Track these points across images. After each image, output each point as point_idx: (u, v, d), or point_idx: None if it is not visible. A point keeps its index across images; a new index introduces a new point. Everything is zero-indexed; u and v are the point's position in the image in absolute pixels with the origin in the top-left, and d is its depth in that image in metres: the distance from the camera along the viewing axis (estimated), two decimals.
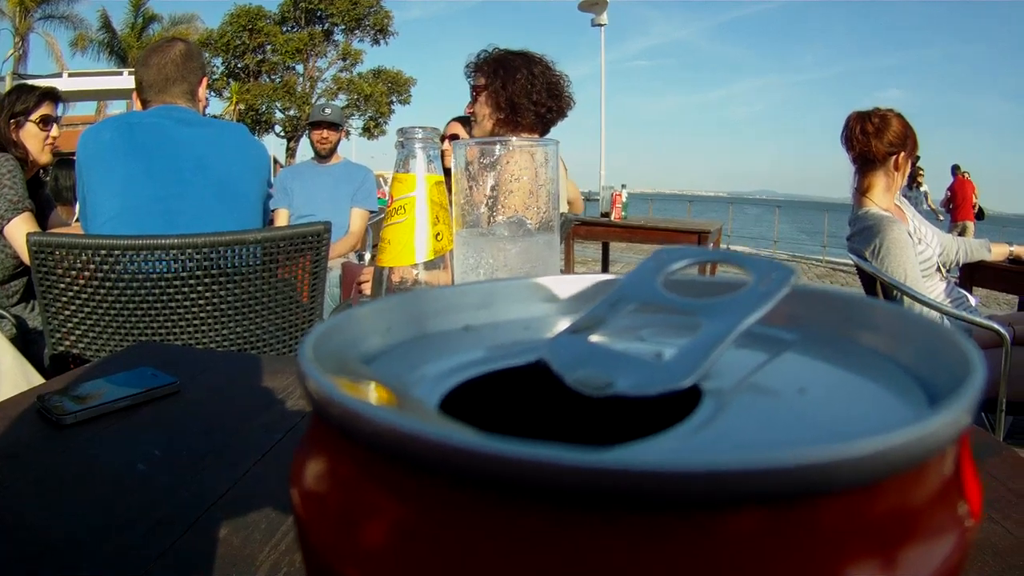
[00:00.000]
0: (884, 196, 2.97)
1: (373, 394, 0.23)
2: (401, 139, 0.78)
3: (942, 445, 0.17)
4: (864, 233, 2.90)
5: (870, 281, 2.91)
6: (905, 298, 2.75)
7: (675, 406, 0.22)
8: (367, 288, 2.60)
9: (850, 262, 2.99)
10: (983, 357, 0.21)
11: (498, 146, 0.71)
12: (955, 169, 15.17)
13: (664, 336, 0.27)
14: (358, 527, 0.18)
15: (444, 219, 0.76)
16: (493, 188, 0.72)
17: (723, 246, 12.59)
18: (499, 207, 0.72)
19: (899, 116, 2.97)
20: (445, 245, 0.76)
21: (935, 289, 2.88)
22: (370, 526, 0.18)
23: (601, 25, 13.91)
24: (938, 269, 2.97)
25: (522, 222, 0.72)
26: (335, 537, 0.19)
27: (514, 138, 0.71)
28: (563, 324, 0.29)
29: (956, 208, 14.76)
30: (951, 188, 15.01)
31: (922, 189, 14.87)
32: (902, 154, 2.93)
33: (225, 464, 0.78)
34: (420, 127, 0.78)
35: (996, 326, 2.60)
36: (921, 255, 2.87)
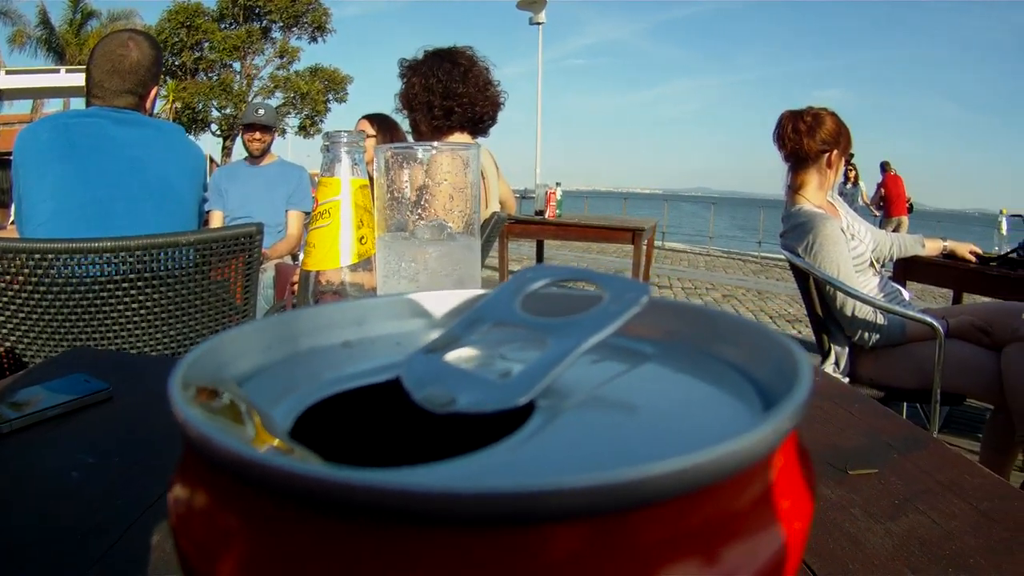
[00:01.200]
0: (817, 193, 3.03)
1: (234, 417, 0.23)
2: (327, 143, 0.78)
3: (752, 458, 0.18)
4: (797, 230, 2.95)
5: (803, 277, 2.96)
6: (839, 293, 2.80)
7: (515, 422, 0.22)
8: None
9: (784, 258, 3.03)
10: (811, 368, 0.23)
11: (420, 150, 0.72)
12: (884, 166, 15.45)
13: (515, 354, 0.28)
14: (215, 547, 0.19)
15: (368, 223, 0.77)
16: (414, 192, 0.72)
17: (658, 243, 12.69)
18: (420, 211, 0.73)
19: (832, 114, 3.03)
20: (369, 248, 0.77)
21: (869, 284, 2.94)
22: (226, 546, 0.19)
23: (539, 24, 13.97)
24: (871, 264, 3.02)
25: (443, 225, 0.73)
26: (198, 554, 0.20)
27: (436, 142, 0.72)
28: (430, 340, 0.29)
29: (890, 204, 15.04)
30: (883, 185, 15.29)
31: (858, 186, 15.17)
32: (835, 152, 2.98)
33: (157, 470, 0.77)
34: (345, 131, 0.78)
35: (929, 319, 2.66)
36: (854, 251, 2.92)
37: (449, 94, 2.66)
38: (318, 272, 0.77)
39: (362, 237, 0.76)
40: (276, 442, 0.22)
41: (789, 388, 0.21)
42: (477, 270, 0.75)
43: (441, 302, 0.33)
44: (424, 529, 0.16)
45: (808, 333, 3.22)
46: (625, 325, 0.24)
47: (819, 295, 2.94)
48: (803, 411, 0.20)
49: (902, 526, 0.70)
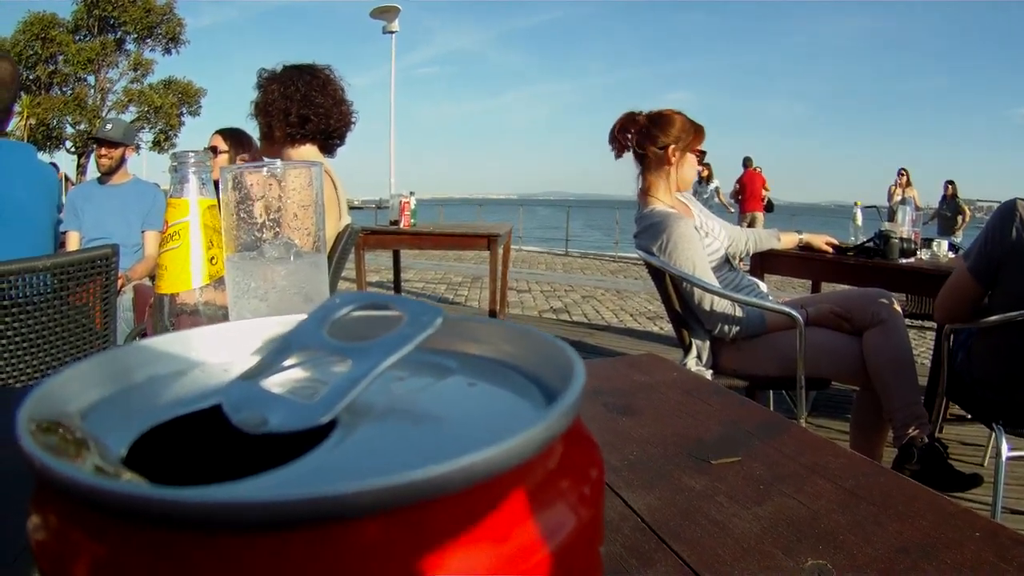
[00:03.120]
0: (667, 193, 3.10)
1: (74, 448, 0.25)
2: (174, 164, 0.78)
3: (527, 452, 0.22)
4: (650, 230, 3.02)
5: (659, 275, 3.03)
6: (696, 289, 2.89)
7: (321, 439, 0.25)
8: None
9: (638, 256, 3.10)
10: (583, 368, 0.26)
11: (264, 169, 0.73)
12: (746, 162, 15.88)
13: (323, 377, 0.31)
14: (68, 564, 0.21)
15: (219, 243, 0.77)
16: (259, 211, 0.73)
17: (514, 247, 12.78)
18: (266, 230, 0.74)
19: (671, 113, 3.12)
20: (220, 269, 0.77)
21: (725, 279, 3.03)
22: (75, 563, 0.21)
23: (392, 32, 13.92)
24: (727, 260, 3.11)
25: (289, 244, 0.74)
26: (54, 573, 0.22)
27: (279, 162, 0.73)
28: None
29: (745, 200, 15.50)
30: (740, 180, 15.74)
31: (712, 184, 15.61)
32: (675, 150, 3.06)
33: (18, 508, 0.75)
34: (192, 151, 0.78)
35: (788, 310, 2.77)
36: (709, 247, 3.01)
37: (307, 102, 2.72)
38: (172, 295, 0.78)
39: (212, 257, 0.77)
40: (111, 469, 0.24)
41: (564, 387, 0.25)
42: (325, 286, 0.77)
43: (266, 329, 0.35)
44: (233, 535, 0.18)
45: (669, 329, 3.31)
46: (424, 344, 0.27)
47: (676, 292, 3.01)
48: (573, 409, 0.24)
49: (768, 510, 0.71)
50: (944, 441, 2.89)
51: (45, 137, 33.20)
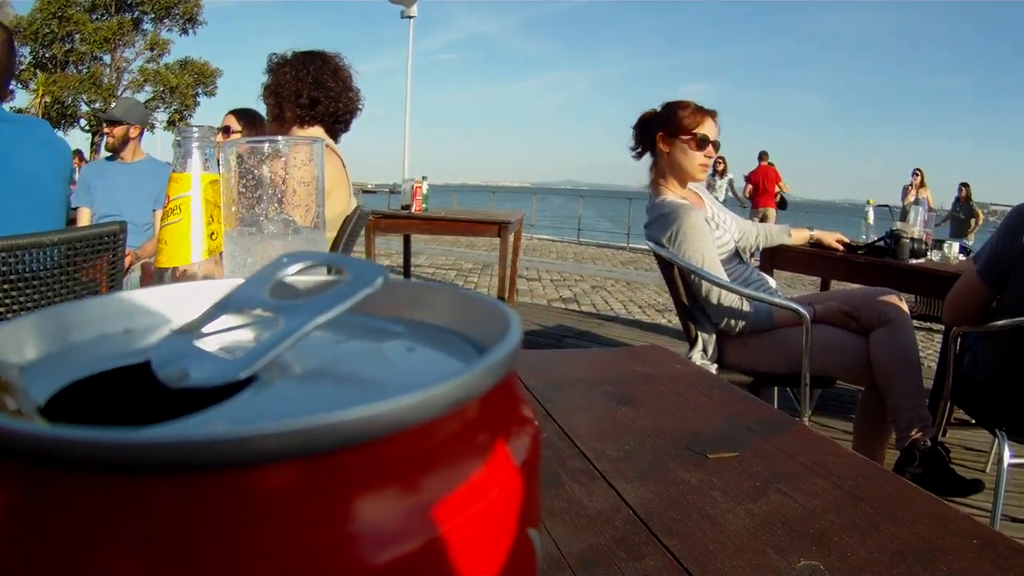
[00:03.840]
0: (676, 184, 3.08)
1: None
2: (178, 138, 0.78)
3: (449, 403, 0.21)
4: (660, 221, 3.00)
5: (668, 267, 3.02)
6: (704, 282, 2.88)
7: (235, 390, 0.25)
8: None
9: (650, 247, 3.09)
10: (517, 324, 0.26)
11: (266, 145, 0.73)
12: (761, 156, 15.74)
13: (254, 335, 0.30)
14: None
15: (219, 218, 0.77)
16: (259, 187, 0.73)
17: (526, 235, 12.79)
18: (265, 206, 0.74)
19: (676, 101, 3.10)
20: (220, 244, 0.77)
21: (734, 272, 3.01)
22: None
23: (410, 17, 13.89)
24: (737, 253, 3.10)
25: (288, 220, 0.74)
26: None
27: (280, 138, 0.73)
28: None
29: (757, 195, 15.38)
30: (751, 175, 15.58)
31: (727, 177, 15.53)
32: (664, 136, 3.05)
33: None
34: (197, 126, 0.78)
35: (795, 306, 2.75)
36: (719, 240, 2.99)
37: (318, 85, 2.80)
38: (172, 269, 0.78)
39: (212, 233, 0.77)
40: (26, 415, 0.24)
41: (495, 343, 0.24)
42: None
43: (217, 289, 0.35)
44: (142, 476, 0.18)
45: (678, 322, 3.31)
46: (363, 305, 0.27)
47: (684, 284, 2.99)
48: (497, 367, 0.23)
49: (763, 507, 0.71)
50: (947, 445, 2.88)
51: (60, 115, 33.29)
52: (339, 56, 2.93)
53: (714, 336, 3.01)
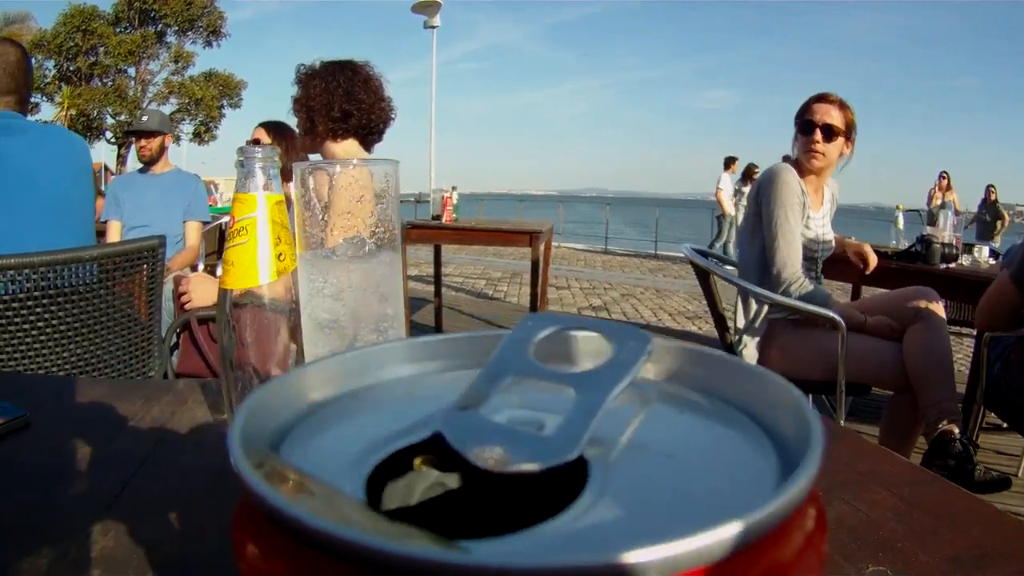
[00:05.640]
0: (802, 171, 3.08)
1: (295, 485, 0.24)
2: (241, 158, 0.77)
3: (797, 506, 0.21)
4: (761, 178, 3.04)
5: (704, 275, 3.01)
6: (777, 245, 2.89)
7: (559, 474, 0.24)
8: (189, 299, 2.56)
9: (682, 255, 3.09)
10: (822, 426, 0.25)
11: (338, 166, 0.72)
12: (785, 160, 15.62)
13: (544, 408, 0.29)
14: None
15: (286, 239, 0.77)
16: (332, 209, 0.72)
17: (555, 244, 12.80)
18: (340, 228, 0.73)
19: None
20: (288, 265, 0.76)
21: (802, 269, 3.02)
22: None
23: (434, 27, 13.92)
24: (811, 256, 3.09)
25: (363, 241, 0.73)
26: None
27: (354, 160, 0.72)
28: (448, 386, 0.31)
29: None
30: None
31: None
32: (796, 127, 3.10)
33: (86, 499, 0.74)
34: (259, 147, 0.78)
35: (832, 315, 2.74)
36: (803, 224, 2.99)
37: (349, 98, 2.73)
38: (237, 291, 0.77)
39: (280, 254, 0.76)
40: (356, 516, 0.23)
41: (803, 440, 0.24)
42: (399, 285, 0.76)
43: (449, 347, 0.34)
44: None
45: (708, 329, 3.30)
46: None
47: (710, 299, 2.99)
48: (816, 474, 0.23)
49: (829, 516, 0.71)
50: (978, 446, 2.86)
51: (85, 128, 33.59)
52: (369, 64, 2.86)
53: (755, 340, 3.00)
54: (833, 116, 2.98)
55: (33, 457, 0.86)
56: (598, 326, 0.30)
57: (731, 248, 13.21)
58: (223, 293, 0.78)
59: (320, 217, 0.73)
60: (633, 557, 0.18)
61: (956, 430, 2.68)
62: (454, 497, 0.27)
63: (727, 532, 0.19)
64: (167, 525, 0.69)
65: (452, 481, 0.27)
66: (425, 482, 0.28)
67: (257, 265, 0.76)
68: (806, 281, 2.87)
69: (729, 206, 14.19)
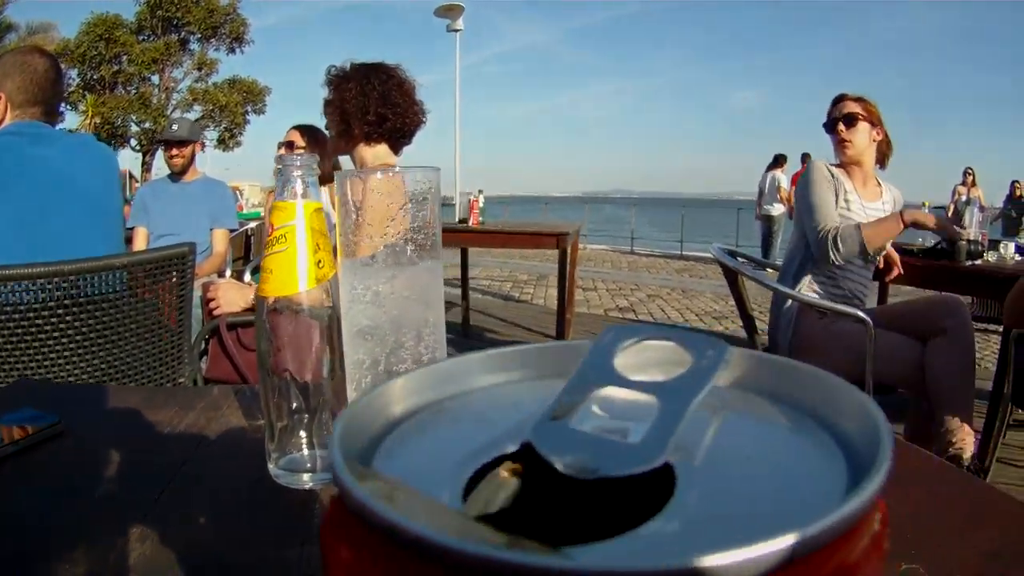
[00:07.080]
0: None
1: (392, 493, 0.25)
2: (279, 166, 0.78)
3: (867, 509, 0.22)
4: (798, 180, 3.20)
5: (732, 276, 3.01)
6: (817, 226, 2.97)
7: (647, 480, 0.25)
8: (217, 304, 2.57)
9: (709, 256, 3.11)
10: (886, 423, 0.26)
11: (378, 174, 0.72)
12: (804, 157, 15.47)
13: (629, 417, 0.29)
14: None
15: (325, 246, 0.77)
16: (373, 216, 0.73)
17: (581, 246, 12.81)
18: (380, 235, 0.73)
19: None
20: (327, 272, 0.77)
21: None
22: None
23: (457, 31, 13.93)
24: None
25: (404, 249, 0.73)
26: None
27: (397, 167, 0.72)
28: (531, 396, 0.32)
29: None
30: (797, 176, 15.36)
31: (777, 171, 15.36)
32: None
33: (123, 507, 0.75)
34: (298, 155, 0.78)
35: (862, 315, 2.73)
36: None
37: (384, 101, 2.69)
38: (276, 298, 0.77)
39: (319, 261, 0.76)
40: (458, 523, 0.24)
41: (871, 444, 0.25)
42: (440, 293, 0.76)
43: (529, 356, 0.36)
44: None
45: (735, 328, 3.30)
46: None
47: (739, 298, 3.01)
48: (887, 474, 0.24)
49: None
50: (987, 470, 2.85)
51: (110, 135, 33.86)
52: (400, 68, 2.82)
53: (785, 340, 3.01)
54: (850, 107, 3.16)
55: (68, 466, 0.87)
56: (677, 336, 0.31)
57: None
58: (261, 300, 0.78)
59: (360, 224, 0.73)
60: (725, 559, 0.18)
61: (966, 455, 2.70)
62: (546, 506, 0.28)
63: (809, 533, 0.19)
64: (205, 532, 0.69)
65: (542, 490, 0.28)
66: (516, 491, 0.28)
67: (296, 272, 0.76)
68: (843, 226, 2.96)
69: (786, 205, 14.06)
